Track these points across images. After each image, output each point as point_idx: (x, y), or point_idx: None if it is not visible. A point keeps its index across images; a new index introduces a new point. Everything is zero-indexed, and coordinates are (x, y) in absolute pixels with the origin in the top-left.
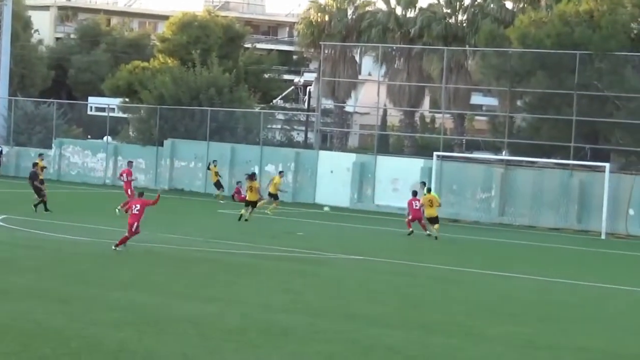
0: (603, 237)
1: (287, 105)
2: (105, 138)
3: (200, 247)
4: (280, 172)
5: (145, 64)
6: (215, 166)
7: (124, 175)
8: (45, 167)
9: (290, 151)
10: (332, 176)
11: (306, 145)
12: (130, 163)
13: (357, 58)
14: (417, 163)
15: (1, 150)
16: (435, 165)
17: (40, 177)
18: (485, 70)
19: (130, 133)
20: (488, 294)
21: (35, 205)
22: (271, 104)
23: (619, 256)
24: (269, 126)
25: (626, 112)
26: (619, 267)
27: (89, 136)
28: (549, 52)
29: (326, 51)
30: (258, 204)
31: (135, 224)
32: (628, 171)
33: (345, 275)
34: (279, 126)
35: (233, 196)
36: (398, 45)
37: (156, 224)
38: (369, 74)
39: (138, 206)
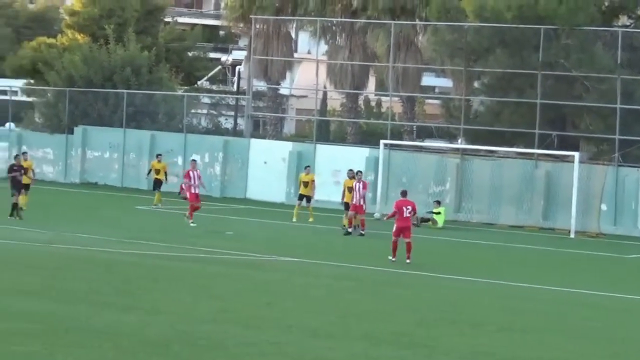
0: (572, 235)
1: (214, 87)
2: (7, 125)
3: (115, 249)
4: (307, 167)
5: (52, 40)
6: (159, 161)
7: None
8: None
9: (218, 139)
10: (266, 167)
11: (236, 132)
12: (192, 162)
13: (292, 34)
14: (362, 152)
15: None
16: (382, 155)
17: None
18: (437, 47)
19: (36, 119)
20: (441, 301)
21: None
22: (196, 85)
23: (589, 257)
24: (194, 111)
25: (597, 95)
26: (589, 269)
27: None
28: (510, 26)
29: (257, 26)
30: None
31: (408, 226)
32: (599, 161)
33: (280, 280)
34: (205, 111)
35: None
36: (339, 19)
37: (66, 222)
38: (307, 52)
39: (410, 207)
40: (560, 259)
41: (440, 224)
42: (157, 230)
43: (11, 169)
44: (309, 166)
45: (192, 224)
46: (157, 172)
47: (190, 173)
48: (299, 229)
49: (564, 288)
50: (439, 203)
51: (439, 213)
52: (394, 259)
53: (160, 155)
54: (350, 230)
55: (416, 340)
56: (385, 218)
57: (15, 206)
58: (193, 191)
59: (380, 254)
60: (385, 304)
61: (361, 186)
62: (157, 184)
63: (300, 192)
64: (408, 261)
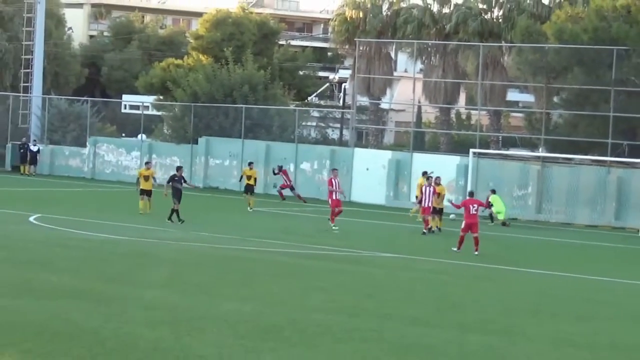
0: None
1: (322, 102)
2: (139, 136)
3: (235, 246)
4: (424, 173)
5: (179, 61)
6: (250, 169)
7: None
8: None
9: (326, 149)
10: (368, 174)
11: (341, 142)
12: (334, 171)
13: (392, 54)
14: (453, 160)
15: (38, 149)
16: (471, 162)
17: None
18: (521, 66)
19: (165, 131)
20: (525, 293)
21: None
22: (306, 101)
23: None
24: (304, 123)
25: None
26: None
27: (123, 134)
28: (586, 47)
29: (361, 48)
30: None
31: (475, 222)
32: None
33: (381, 274)
34: (314, 123)
35: (298, 195)
36: (433, 42)
37: (192, 222)
38: (405, 71)
39: (476, 206)
40: (630, 255)
41: (500, 215)
42: (272, 230)
43: (172, 178)
44: (426, 172)
45: (334, 228)
46: (249, 178)
47: (333, 181)
48: (399, 228)
49: (635, 281)
50: (493, 192)
51: (491, 205)
52: (458, 250)
53: (251, 163)
54: (434, 230)
55: (502, 328)
56: (451, 204)
57: (175, 212)
58: (335, 197)
59: (468, 251)
60: (475, 295)
61: (431, 190)
62: (249, 189)
63: (416, 195)
64: (476, 253)
